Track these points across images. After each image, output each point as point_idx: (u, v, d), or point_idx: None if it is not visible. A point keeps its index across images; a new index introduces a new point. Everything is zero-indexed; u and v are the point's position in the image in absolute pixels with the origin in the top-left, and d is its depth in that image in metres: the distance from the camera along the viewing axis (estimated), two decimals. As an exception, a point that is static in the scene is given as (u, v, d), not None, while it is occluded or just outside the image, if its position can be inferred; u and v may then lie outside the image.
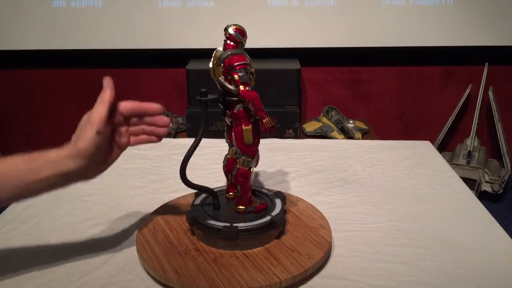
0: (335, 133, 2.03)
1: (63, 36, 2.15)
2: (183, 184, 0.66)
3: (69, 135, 0.58)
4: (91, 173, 0.59)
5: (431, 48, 2.15)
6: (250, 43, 0.67)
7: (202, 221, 0.66)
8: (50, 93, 2.34)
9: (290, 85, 1.98)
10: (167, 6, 2.09)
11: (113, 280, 0.62)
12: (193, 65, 2.00)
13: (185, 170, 0.65)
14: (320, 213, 0.75)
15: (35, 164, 0.55)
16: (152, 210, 0.78)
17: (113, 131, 0.61)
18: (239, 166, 0.67)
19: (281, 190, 0.77)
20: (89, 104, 0.59)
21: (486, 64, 2.17)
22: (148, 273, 0.63)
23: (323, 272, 0.64)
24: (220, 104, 0.66)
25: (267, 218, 0.67)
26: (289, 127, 1.98)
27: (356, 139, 2.01)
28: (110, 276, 0.63)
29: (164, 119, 0.63)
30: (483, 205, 0.83)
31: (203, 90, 0.64)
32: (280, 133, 1.90)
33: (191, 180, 0.67)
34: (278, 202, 0.71)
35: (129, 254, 0.67)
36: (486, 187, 2.02)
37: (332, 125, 2.07)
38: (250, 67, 0.63)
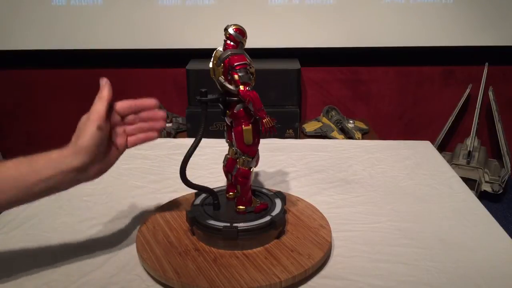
0: (335, 133, 2.03)
1: (63, 36, 2.15)
2: (183, 184, 0.67)
3: (69, 135, 0.58)
4: (92, 171, 0.59)
5: (431, 48, 2.15)
6: (250, 43, 0.67)
7: (202, 221, 0.66)
8: (50, 93, 2.34)
9: (290, 85, 1.98)
10: (167, 4, 2.09)
11: (113, 280, 0.62)
12: (193, 65, 2.00)
13: (185, 170, 0.65)
14: (320, 213, 0.75)
15: (37, 165, 0.55)
16: (152, 210, 0.78)
17: (111, 131, 0.61)
18: (239, 166, 0.67)
19: (281, 190, 0.77)
20: (89, 104, 0.59)
21: (486, 64, 2.17)
22: (148, 273, 0.63)
23: (323, 272, 0.64)
24: (220, 104, 0.66)
25: (267, 218, 0.67)
26: (289, 127, 1.98)
27: (356, 139, 2.01)
28: (110, 276, 0.63)
29: (160, 113, 0.65)
30: (483, 205, 0.83)
31: (203, 90, 0.64)
32: (280, 133, 1.90)
33: (191, 180, 0.67)
34: (278, 202, 0.71)
35: (129, 254, 0.67)
36: (486, 187, 2.02)
37: (332, 125, 2.07)
38: (250, 67, 0.63)
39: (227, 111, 0.66)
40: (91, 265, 0.65)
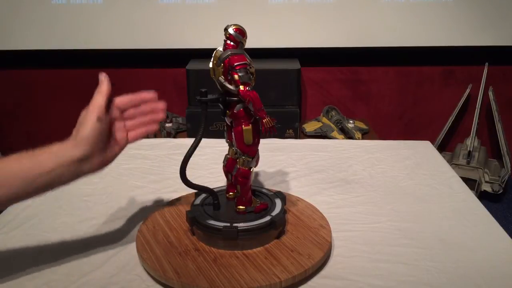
0: (335, 133, 2.03)
1: (63, 35, 2.15)
2: (183, 184, 0.67)
3: (69, 135, 0.58)
4: (94, 162, 0.59)
5: (431, 48, 2.14)
6: (250, 43, 0.67)
7: (202, 221, 0.66)
8: (50, 93, 2.34)
9: (290, 85, 1.98)
10: (167, 3, 2.09)
11: (113, 280, 0.62)
12: (193, 65, 2.00)
13: (185, 170, 0.65)
14: (320, 213, 0.75)
15: (39, 158, 0.56)
16: (152, 210, 0.78)
17: (111, 126, 0.62)
18: (239, 166, 0.67)
19: (281, 190, 0.77)
20: (89, 104, 0.59)
21: (486, 64, 2.17)
22: (148, 273, 0.63)
23: (323, 272, 0.64)
24: (220, 104, 0.66)
25: (267, 218, 0.67)
26: (289, 127, 1.97)
27: (356, 139, 2.01)
28: (110, 276, 0.63)
29: (160, 104, 0.66)
30: (483, 205, 0.83)
31: (203, 90, 0.64)
32: (280, 133, 1.90)
33: (191, 180, 0.67)
34: (278, 202, 0.71)
35: (129, 254, 0.67)
36: (486, 187, 2.02)
37: (332, 125, 2.07)
38: (250, 67, 0.63)
39: (227, 111, 0.66)
40: (91, 265, 0.65)
